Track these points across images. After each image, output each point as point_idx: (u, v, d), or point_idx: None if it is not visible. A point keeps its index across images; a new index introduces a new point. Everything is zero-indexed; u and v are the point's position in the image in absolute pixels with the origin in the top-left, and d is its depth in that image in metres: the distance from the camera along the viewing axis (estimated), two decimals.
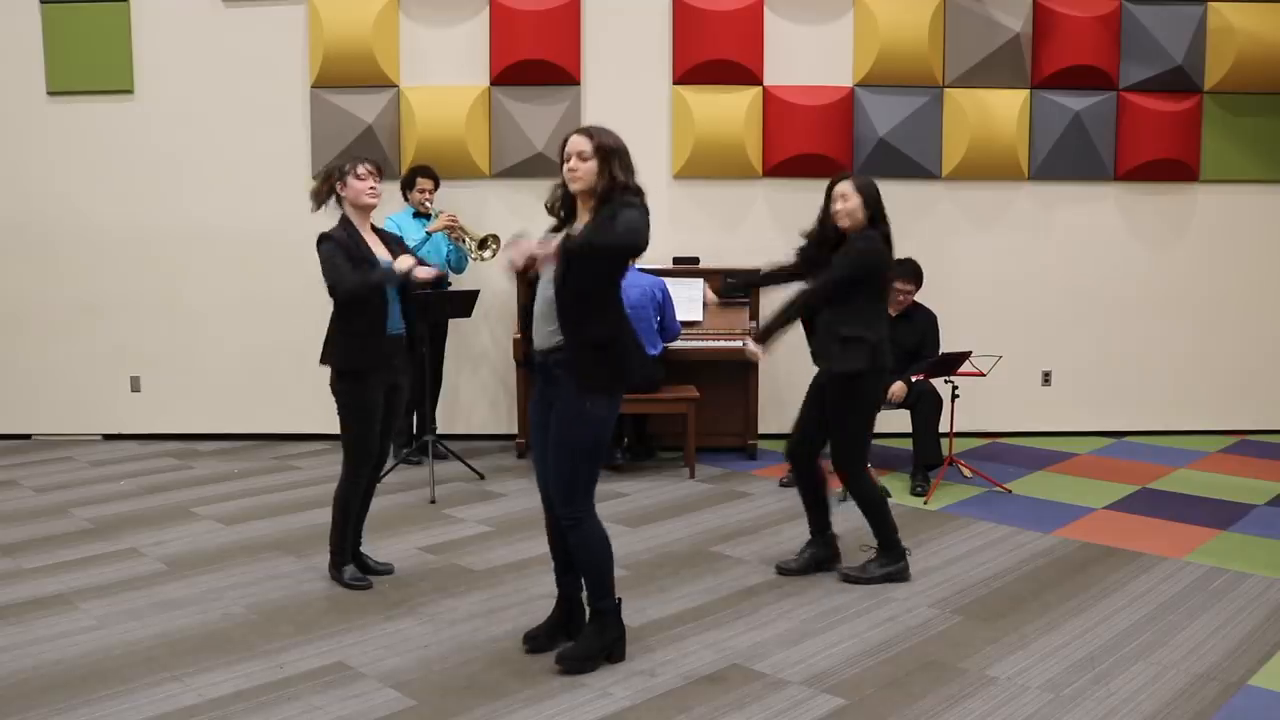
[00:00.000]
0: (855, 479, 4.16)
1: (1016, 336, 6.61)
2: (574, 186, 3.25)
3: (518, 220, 6.43)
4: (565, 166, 3.25)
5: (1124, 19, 6.57)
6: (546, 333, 3.30)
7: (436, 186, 6.08)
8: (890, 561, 4.19)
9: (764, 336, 4.12)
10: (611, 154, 3.21)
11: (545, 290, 3.30)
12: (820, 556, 4.29)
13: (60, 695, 3.21)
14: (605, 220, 3.17)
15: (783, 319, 4.06)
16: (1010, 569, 4.35)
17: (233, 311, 6.67)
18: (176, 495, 5.51)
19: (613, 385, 3.31)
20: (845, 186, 4.06)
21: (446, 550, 4.59)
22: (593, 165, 3.20)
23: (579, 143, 3.23)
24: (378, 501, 5.02)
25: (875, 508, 4.18)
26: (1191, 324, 6.88)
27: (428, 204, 5.99)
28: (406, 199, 6.06)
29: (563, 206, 3.37)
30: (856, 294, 4.04)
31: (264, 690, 3.24)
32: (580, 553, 3.38)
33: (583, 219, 3.30)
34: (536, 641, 3.55)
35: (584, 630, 3.48)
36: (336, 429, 4.05)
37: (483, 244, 5.89)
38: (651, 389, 5.72)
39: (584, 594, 3.48)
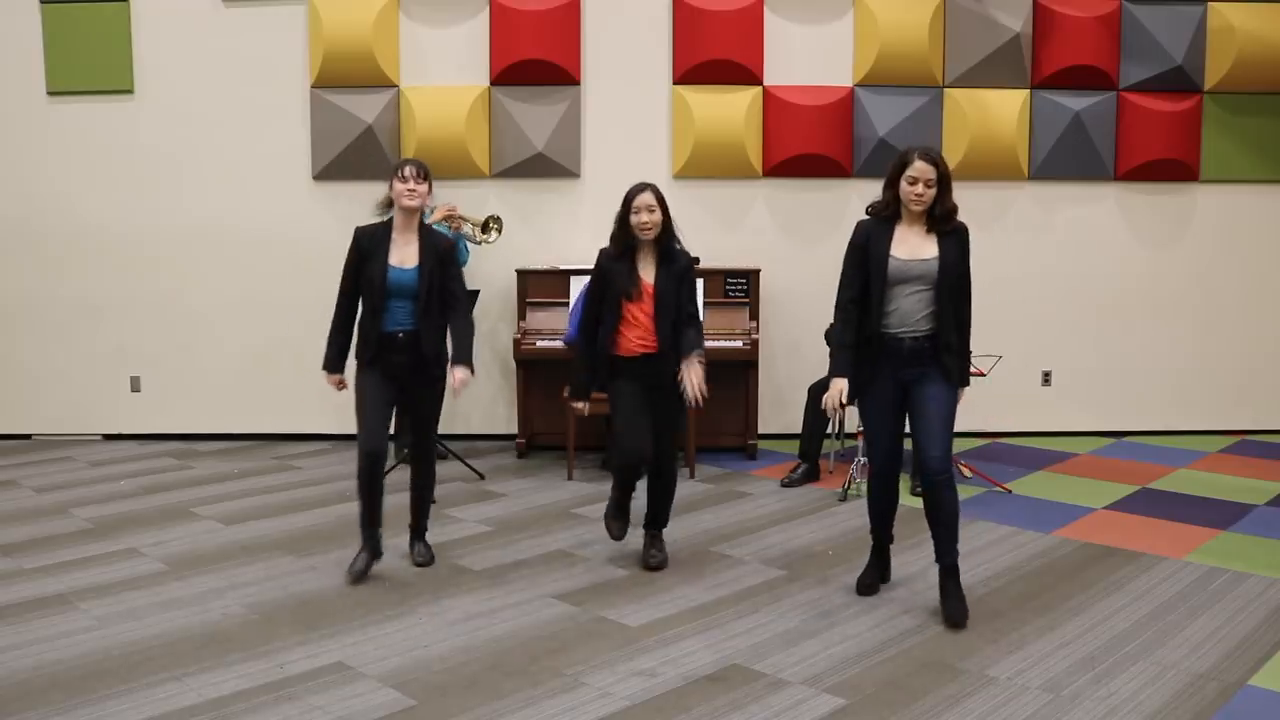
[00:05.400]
0: None
1: (1016, 336, 6.58)
2: (915, 209, 3.68)
3: (518, 221, 6.52)
4: (913, 191, 3.65)
5: (1124, 19, 6.55)
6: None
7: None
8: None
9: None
10: (948, 180, 3.69)
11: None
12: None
13: (60, 695, 3.20)
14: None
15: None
16: (1010, 569, 4.33)
17: (233, 311, 6.64)
18: (176, 495, 5.50)
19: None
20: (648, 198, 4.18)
21: (446, 550, 4.57)
22: (934, 192, 3.66)
23: (926, 171, 3.65)
24: None
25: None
26: (1192, 324, 6.86)
27: None
28: None
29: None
30: None
31: (264, 690, 3.23)
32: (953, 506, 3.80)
33: (912, 233, 3.73)
34: (867, 587, 4.08)
35: (952, 592, 3.83)
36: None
37: (484, 227, 5.86)
38: None
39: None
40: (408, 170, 4.14)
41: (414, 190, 4.14)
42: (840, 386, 3.82)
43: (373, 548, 4.26)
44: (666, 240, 4.18)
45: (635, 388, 4.20)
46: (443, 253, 4.20)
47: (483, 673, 3.37)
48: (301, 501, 5.36)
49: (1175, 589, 4.07)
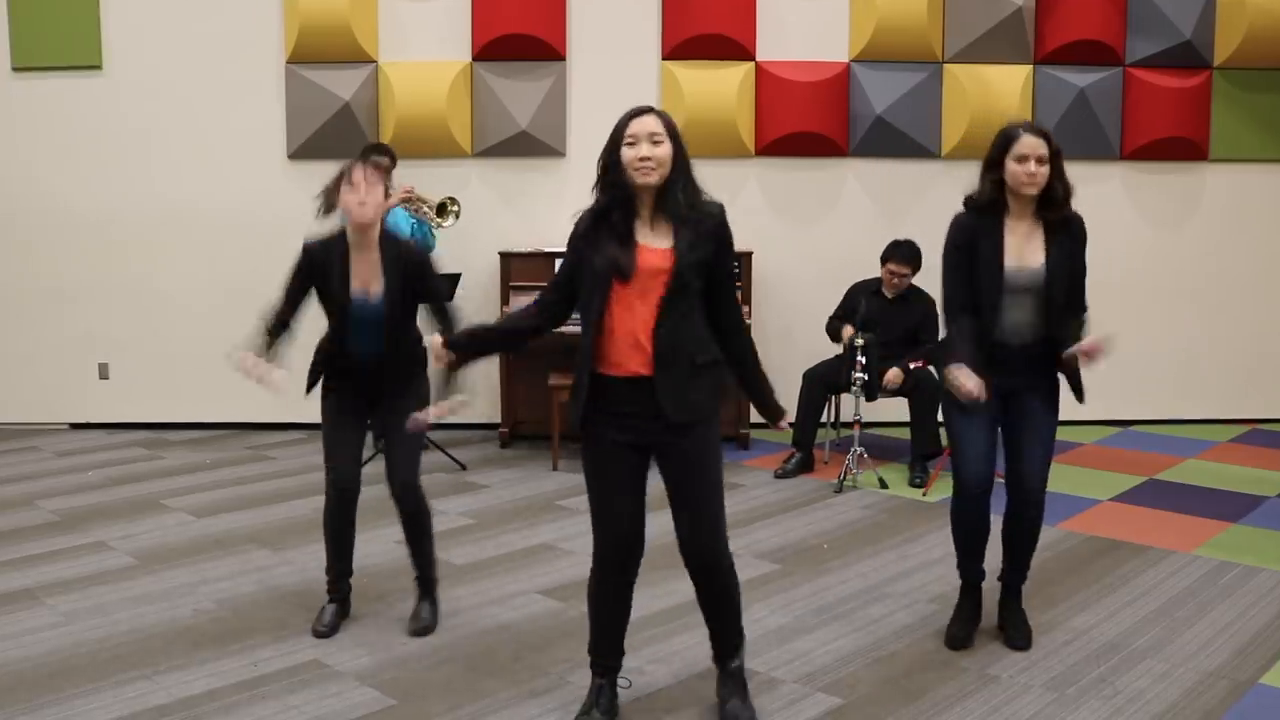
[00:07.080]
0: None
1: None
2: (1030, 191, 3.24)
3: (501, 202, 6.39)
4: (1025, 171, 3.20)
5: None
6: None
7: (394, 164, 5.67)
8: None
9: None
10: (1061, 156, 3.29)
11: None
12: None
13: (26, 694, 3.15)
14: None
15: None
16: None
17: (204, 295, 6.54)
18: (146, 486, 5.43)
19: None
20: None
21: None
22: (1047, 170, 3.23)
23: (1037, 145, 3.21)
24: None
25: None
26: (1200, 308, 6.77)
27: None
28: None
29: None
30: None
31: (237, 689, 3.19)
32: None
33: (1019, 231, 3.31)
34: (958, 639, 3.51)
35: (1019, 613, 3.58)
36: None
37: (441, 210, 5.56)
38: None
39: None
40: (357, 174, 3.29)
41: (365, 202, 3.28)
42: (966, 375, 3.26)
43: (342, 600, 3.63)
44: (679, 189, 2.77)
45: (620, 439, 2.89)
46: (411, 270, 3.43)
47: (464, 671, 3.32)
48: (276, 493, 5.31)
49: (1184, 584, 4.02)
